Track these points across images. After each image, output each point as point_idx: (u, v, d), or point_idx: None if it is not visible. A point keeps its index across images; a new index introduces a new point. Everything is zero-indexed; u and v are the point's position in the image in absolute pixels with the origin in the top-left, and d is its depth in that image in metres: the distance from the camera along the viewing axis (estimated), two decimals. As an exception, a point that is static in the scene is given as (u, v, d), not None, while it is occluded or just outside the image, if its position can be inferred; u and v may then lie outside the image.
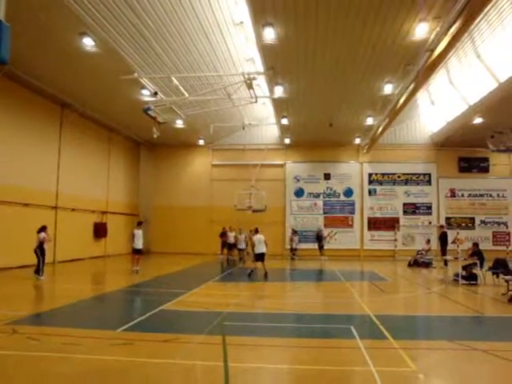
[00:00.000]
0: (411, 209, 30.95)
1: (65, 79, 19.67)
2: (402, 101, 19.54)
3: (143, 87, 19.99)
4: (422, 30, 14.60)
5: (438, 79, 22.86)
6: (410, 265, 23.16)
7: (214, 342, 7.36)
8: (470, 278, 15.51)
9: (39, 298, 12.24)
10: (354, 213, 31.39)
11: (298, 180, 31.94)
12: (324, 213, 31.52)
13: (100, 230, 26.73)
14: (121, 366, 6.11)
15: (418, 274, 19.80)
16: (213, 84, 19.83)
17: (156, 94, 17.01)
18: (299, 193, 31.84)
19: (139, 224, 19.02)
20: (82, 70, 18.54)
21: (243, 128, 27.09)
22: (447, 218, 30.45)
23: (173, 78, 15.91)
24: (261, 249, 17.31)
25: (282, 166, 32.17)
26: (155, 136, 14.76)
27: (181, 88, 16.13)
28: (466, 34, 14.55)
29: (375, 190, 31.36)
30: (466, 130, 25.13)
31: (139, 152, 33.13)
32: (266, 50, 16.78)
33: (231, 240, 25.69)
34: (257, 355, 6.82)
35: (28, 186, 20.10)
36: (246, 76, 15.15)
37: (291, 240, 29.09)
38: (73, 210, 23.80)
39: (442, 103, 25.80)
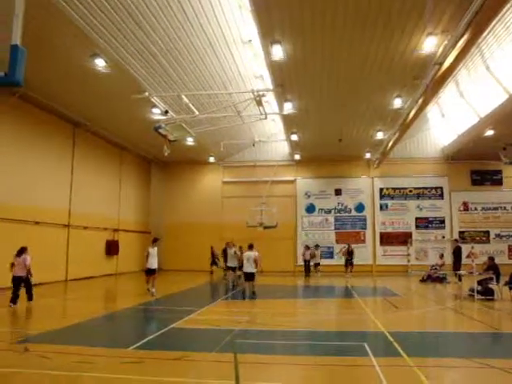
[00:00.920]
0: (424, 223, 30.63)
1: (77, 99, 19.98)
2: (411, 114, 19.49)
3: (154, 106, 20.21)
4: (430, 44, 14.62)
5: (448, 92, 22.79)
6: (423, 280, 22.85)
7: (226, 359, 7.28)
8: (486, 293, 15.25)
9: (51, 316, 12.23)
10: (365, 228, 31.16)
11: (309, 196, 31.87)
12: (335, 228, 31.34)
13: (112, 248, 26.81)
14: (131, 386, 6.06)
15: (431, 290, 19.53)
16: (222, 101, 19.95)
17: (166, 112, 17.14)
18: (310, 209, 31.74)
19: (154, 241, 17.21)
20: (94, 90, 18.84)
21: (253, 145, 27.13)
22: (461, 232, 30.06)
23: (183, 96, 16.03)
24: (247, 268, 15.96)
25: (292, 182, 32.15)
26: (166, 154, 14.81)
27: (191, 106, 16.24)
28: (474, 47, 14.51)
29: (387, 205, 31.14)
30: (478, 142, 24.93)
31: (150, 170, 33.37)
32: (274, 67, 16.92)
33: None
34: (269, 373, 6.73)
35: (41, 204, 20.28)
36: (256, 93, 15.21)
37: (313, 256, 27.83)
38: (85, 227, 23.94)
39: (453, 116, 25.67)
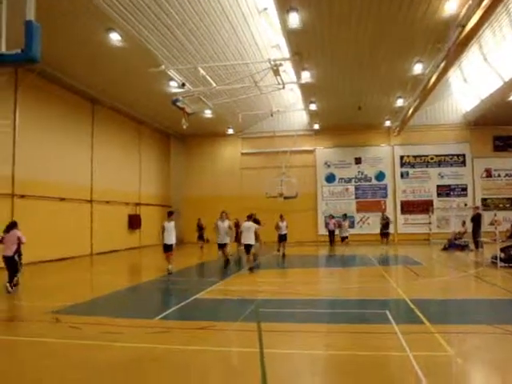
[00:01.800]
0: (445, 191, 30.28)
1: (94, 75, 20.02)
2: (432, 80, 19.03)
3: (171, 79, 20.16)
4: (452, 5, 14.13)
5: (471, 55, 22.10)
6: (445, 248, 22.69)
7: (249, 328, 7.42)
8: (509, 260, 15.11)
9: (79, 289, 12.59)
10: (386, 197, 30.97)
11: (329, 165, 31.69)
12: (356, 197, 31.25)
13: (134, 222, 27.27)
14: (158, 354, 6.24)
15: (453, 258, 19.42)
16: (239, 72, 19.78)
17: (183, 85, 17.13)
18: (330, 178, 31.61)
19: (170, 215, 15.50)
20: (111, 65, 18.83)
21: (271, 115, 26.91)
22: (483, 200, 29.66)
23: (199, 69, 15.95)
24: (247, 239, 15.43)
25: (312, 151, 31.97)
26: (184, 127, 14.83)
27: (208, 78, 16.17)
28: (500, 6, 13.90)
29: (407, 173, 30.80)
30: (501, 107, 24.24)
31: (169, 143, 33.51)
32: (291, 36, 16.63)
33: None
34: (292, 341, 6.85)
35: (64, 181, 20.65)
36: (273, 62, 15.03)
37: (339, 226, 27.02)
38: (107, 202, 24.32)
39: (476, 80, 24.98)
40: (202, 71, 15.92)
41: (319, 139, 31.86)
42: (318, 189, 31.65)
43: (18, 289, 11.50)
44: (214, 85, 16.38)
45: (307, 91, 23.77)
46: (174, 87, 20.65)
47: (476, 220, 21.19)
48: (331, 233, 27.49)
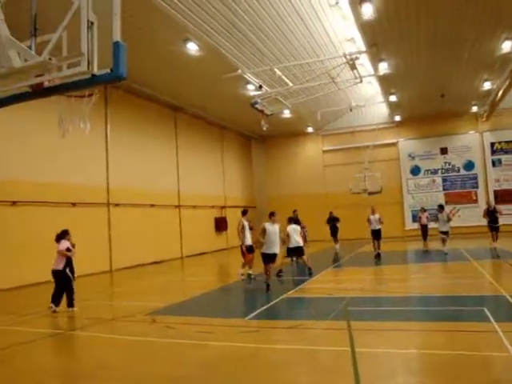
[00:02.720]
0: (546, 176, 28.01)
1: (174, 85, 20.86)
2: (524, 58, 17.74)
3: (248, 82, 20.51)
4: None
5: None
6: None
7: (339, 327, 7.37)
8: None
9: (172, 291, 13.18)
10: (477, 187, 29.26)
11: (413, 157, 30.61)
12: (444, 189, 29.88)
13: (221, 224, 28.06)
14: (250, 352, 6.40)
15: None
16: (315, 70, 19.65)
17: (261, 87, 17.34)
18: (415, 171, 30.51)
19: (244, 214, 14.50)
20: (190, 74, 19.50)
21: (350, 110, 26.43)
22: None
23: (275, 70, 16.09)
24: (296, 242, 13.59)
25: (394, 144, 31.08)
26: (264, 128, 15.02)
27: (284, 78, 16.26)
28: None
29: (500, 160, 28.87)
30: None
31: (251, 146, 34.17)
32: (365, 27, 16.24)
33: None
34: (384, 340, 6.69)
35: (152, 188, 21.73)
36: (348, 57, 14.81)
37: (436, 220, 20.04)
38: (194, 207, 25.23)
39: None
40: (278, 72, 16.05)
41: (401, 131, 30.89)
42: (402, 182, 30.69)
43: (74, 311, 9.92)
44: (291, 84, 16.44)
45: (386, 83, 23.14)
46: (251, 90, 20.97)
47: None
48: (424, 227, 22.95)
